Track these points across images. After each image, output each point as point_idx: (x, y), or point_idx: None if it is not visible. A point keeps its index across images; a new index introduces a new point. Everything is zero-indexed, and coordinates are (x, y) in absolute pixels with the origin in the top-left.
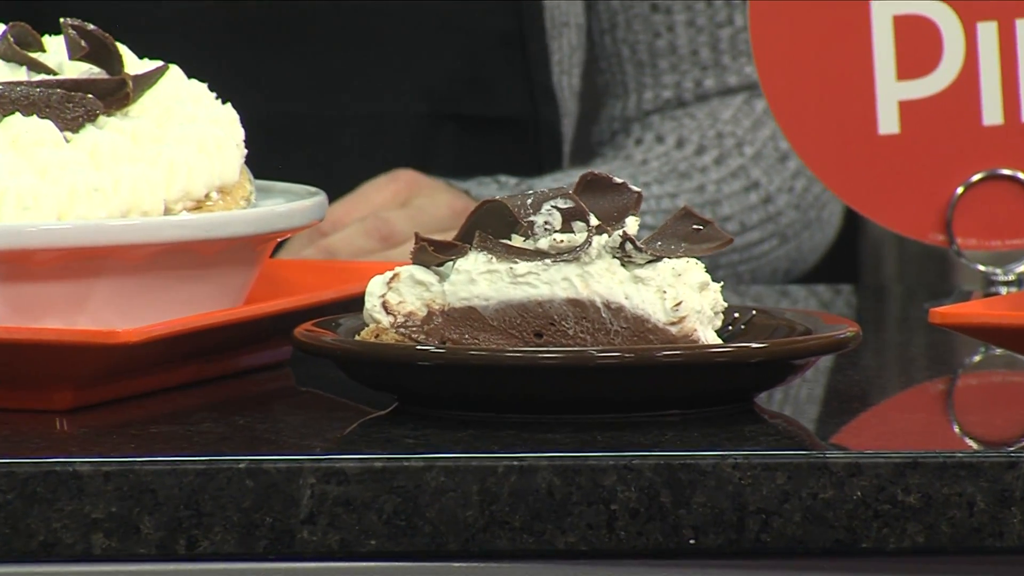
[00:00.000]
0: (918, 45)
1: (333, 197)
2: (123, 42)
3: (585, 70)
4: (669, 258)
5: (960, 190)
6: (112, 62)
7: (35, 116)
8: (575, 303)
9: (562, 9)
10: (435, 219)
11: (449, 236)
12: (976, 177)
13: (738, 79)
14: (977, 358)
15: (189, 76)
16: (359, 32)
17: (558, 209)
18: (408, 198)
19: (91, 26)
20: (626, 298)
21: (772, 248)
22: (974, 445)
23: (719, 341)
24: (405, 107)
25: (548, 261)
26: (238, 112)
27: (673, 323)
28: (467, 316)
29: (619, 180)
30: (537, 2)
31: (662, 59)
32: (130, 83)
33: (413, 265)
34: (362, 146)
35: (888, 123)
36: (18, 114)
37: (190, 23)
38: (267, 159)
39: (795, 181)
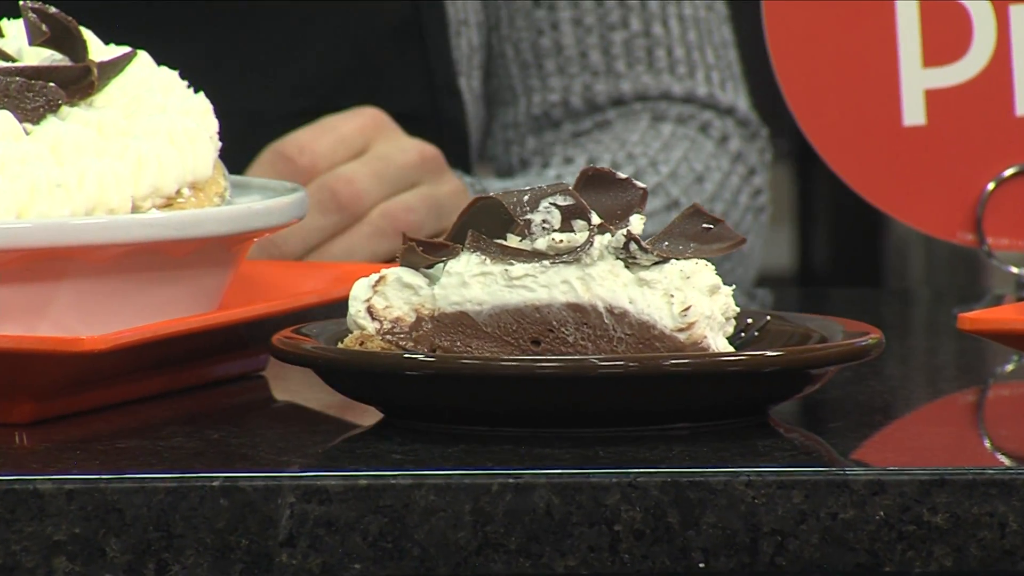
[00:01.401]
0: (946, 30)
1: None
2: None
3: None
4: (677, 259)
5: (991, 186)
6: (76, 48)
7: None
8: (575, 308)
9: (458, 7)
10: (403, 169)
11: (436, 225)
12: (1008, 172)
13: (633, 88)
14: (1009, 367)
15: None
16: (239, 23)
17: (557, 207)
18: (370, 141)
19: (53, 9)
20: (630, 302)
21: None
22: (1006, 461)
23: (731, 349)
24: (282, 104)
25: (546, 263)
26: None
27: (681, 329)
28: (459, 322)
29: (623, 175)
30: None
31: (548, 60)
32: (95, 70)
33: (401, 267)
34: (240, 146)
35: (913, 114)
36: None
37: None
38: None
39: (713, 204)
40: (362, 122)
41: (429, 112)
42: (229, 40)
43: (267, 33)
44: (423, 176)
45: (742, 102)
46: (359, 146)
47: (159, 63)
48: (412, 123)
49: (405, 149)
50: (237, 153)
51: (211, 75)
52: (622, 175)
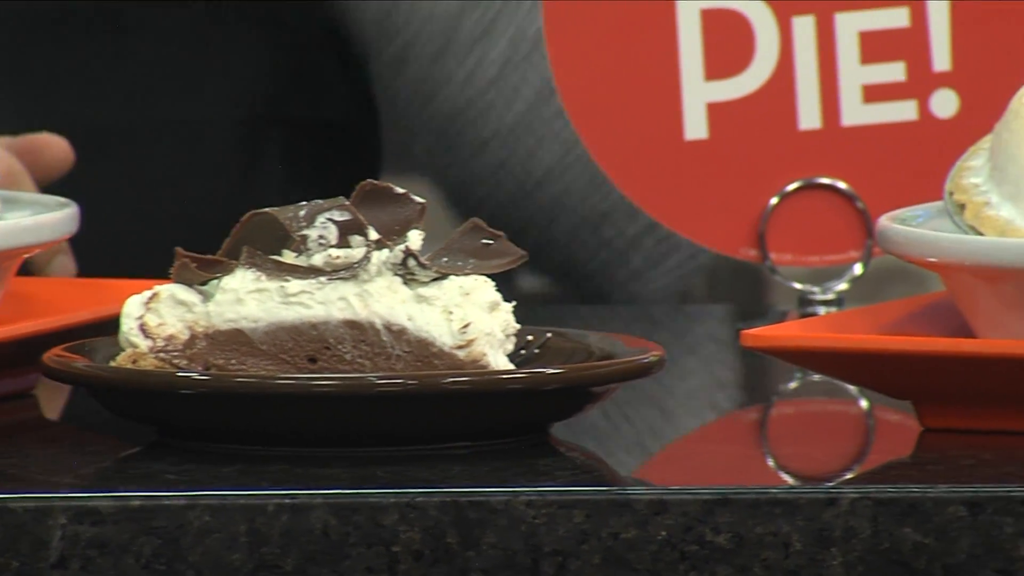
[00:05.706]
0: (728, 42)
1: (153, 213)
2: None
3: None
4: (456, 276)
5: (774, 200)
6: None
7: None
8: (353, 325)
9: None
10: None
11: None
12: (792, 186)
13: None
14: (793, 385)
15: None
16: (171, 29)
17: (334, 222)
18: None
19: None
20: (409, 319)
21: None
22: (790, 480)
23: (511, 366)
24: (224, 112)
25: (323, 279)
26: (39, 119)
27: (461, 347)
28: (234, 339)
29: (401, 190)
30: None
31: None
32: None
33: (175, 284)
34: (180, 156)
35: (695, 128)
36: None
37: None
38: (77, 170)
39: None
40: None
41: (353, 120)
42: (165, 50)
43: (203, 44)
44: None
45: None
46: None
47: (109, 70)
48: (338, 132)
49: None
50: (183, 164)
51: (150, 85)
52: (400, 190)
